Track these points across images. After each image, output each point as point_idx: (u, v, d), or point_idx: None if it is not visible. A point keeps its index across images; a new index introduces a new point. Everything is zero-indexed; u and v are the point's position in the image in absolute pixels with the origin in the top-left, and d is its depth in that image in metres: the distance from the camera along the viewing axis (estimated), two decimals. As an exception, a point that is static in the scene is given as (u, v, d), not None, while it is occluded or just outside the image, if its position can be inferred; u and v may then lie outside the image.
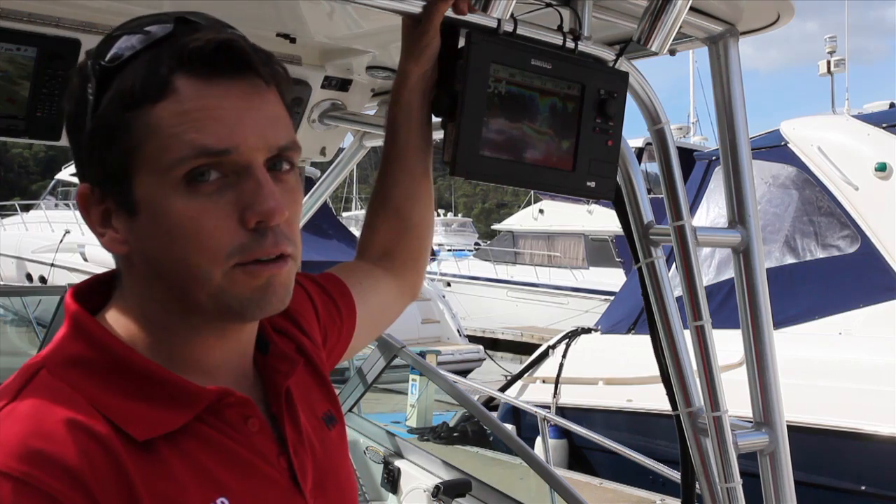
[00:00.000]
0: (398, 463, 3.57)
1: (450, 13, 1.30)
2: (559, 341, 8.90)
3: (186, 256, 0.91)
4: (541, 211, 23.75)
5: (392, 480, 3.54)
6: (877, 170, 6.95)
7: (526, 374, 9.14)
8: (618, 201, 1.78)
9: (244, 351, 1.04)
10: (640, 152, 15.23)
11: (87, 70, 0.93)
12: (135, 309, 0.97)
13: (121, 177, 0.91)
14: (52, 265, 18.21)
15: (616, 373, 7.90)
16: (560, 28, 1.45)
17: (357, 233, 21.20)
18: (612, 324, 8.61)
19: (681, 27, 1.52)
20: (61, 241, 18.39)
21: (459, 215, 55.65)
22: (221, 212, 0.90)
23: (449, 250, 32.78)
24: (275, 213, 0.91)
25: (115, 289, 1.00)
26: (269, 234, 0.92)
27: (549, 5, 1.46)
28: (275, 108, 0.96)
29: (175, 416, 0.92)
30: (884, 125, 7.33)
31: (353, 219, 36.72)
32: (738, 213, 1.72)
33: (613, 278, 18.34)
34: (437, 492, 3.18)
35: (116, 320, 0.97)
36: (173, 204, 0.89)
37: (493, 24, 1.35)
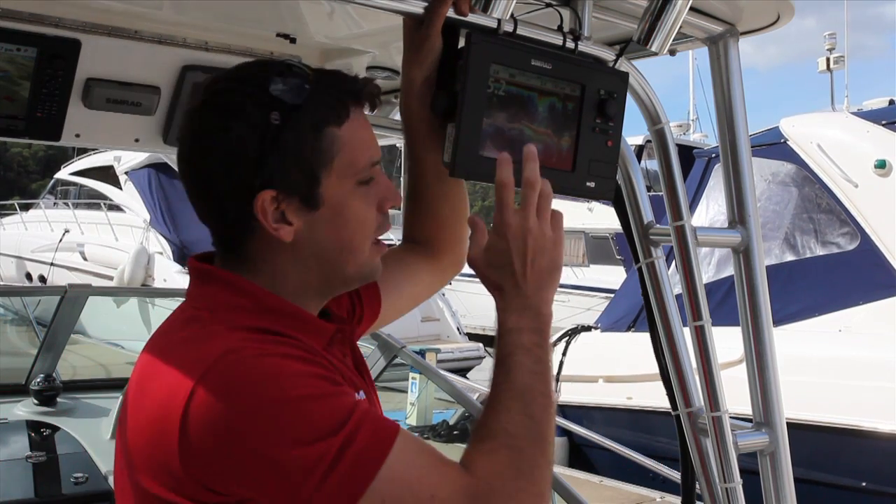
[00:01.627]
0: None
1: (450, 13, 1.30)
2: (559, 339, 8.89)
3: (353, 237, 1.22)
4: (540, 209, 23.70)
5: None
6: (876, 167, 6.95)
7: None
8: (618, 201, 1.78)
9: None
10: (639, 150, 15.22)
11: (266, 101, 1.15)
12: (278, 282, 1.22)
13: (312, 180, 1.17)
14: (52, 264, 18.20)
15: (616, 370, 7.90)
16: (560, 28, 1.46)
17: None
18: (612, 322, 8.60)
19: (681, 27, 1.52)
20: (61, 240, 18.39)
21: (459, 213, 55.60)
22: (371, 202, 1.23)
23: (448, 248, 32.72)
24: (399, 201, 1.30)
25: (235, 269, 1.23)
26: (386, 216, 1.26)
27: (549, 5, 1.46)
28: None
29: (318, 340, 1.22)
30: (883, 122, 7.32)
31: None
32: (738, 214, 1.72)
33: (614, 276, 18.32)
34: (437, 491, 3.18)
35: (262, 284, 1.22)
36: (353, 200, 1.21)
37: (493, 25, 1.35)
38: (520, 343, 1.22)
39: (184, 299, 1.25)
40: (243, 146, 1.15)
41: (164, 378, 1.09)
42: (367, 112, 1.25)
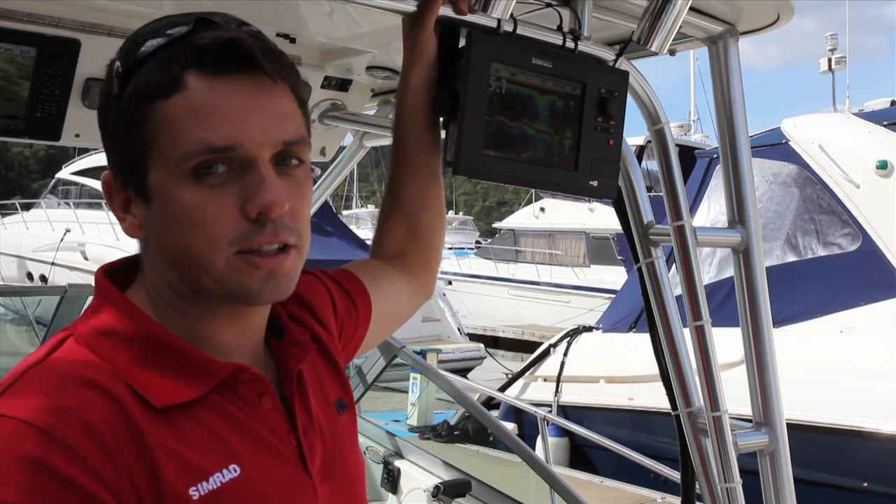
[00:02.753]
0: (398, 463, 3.57)
1: (450, 13, 1.30)
2: (560, 340, 8.89)
3: (191, 243, 0.97)
4: (542, 209, 23.73)
5: (392, 480, 3.54)
6: (878, 168, 6.94)
7: (527, 373, 9.14)
8: (618, 201, 1.78)
9: (256, 334, 1.09)
10: (640, 150, 15.21)
11: (114, 67, 1.00)
12: (152, 290, 1.03)
13: (138, 166, 0.98)
14: (53, 264, 18.21)
15: (617, 371, 7.90)
16: (560, 28, 1.45)
17: (357, 231, 21.25)
18: (613, 322, 8.60)
19: (681, 27, 1.52)
20: (62, 239, 18.39)
21: (460, 213, 55.63)
22: (225, 202, 0.95)
23: (450, 248, 32.77)
24: (274, 206, 0.96)
25: (139, 271, 1.06)
26: (269, 224, 0.97)
27: (549, 5, 1.46)
28: (282, 104, 1.00)
29: (193, 386, 0.97)
30: (885, 123, 7.32)
31: (354, 217, 36.76)
32: (738, 214, 1.71)
33: (615, 276, 18.33)
34: (437, 492, 3.18)
35: (139, 298, 1.03)
36: (181, 193, 0.95)
37: (493, 24, 1.35)
38: None
39: None
40: (99, 116, 1.03)
41: None
42: (273, 82, 0.98)
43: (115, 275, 1.06)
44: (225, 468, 0.95)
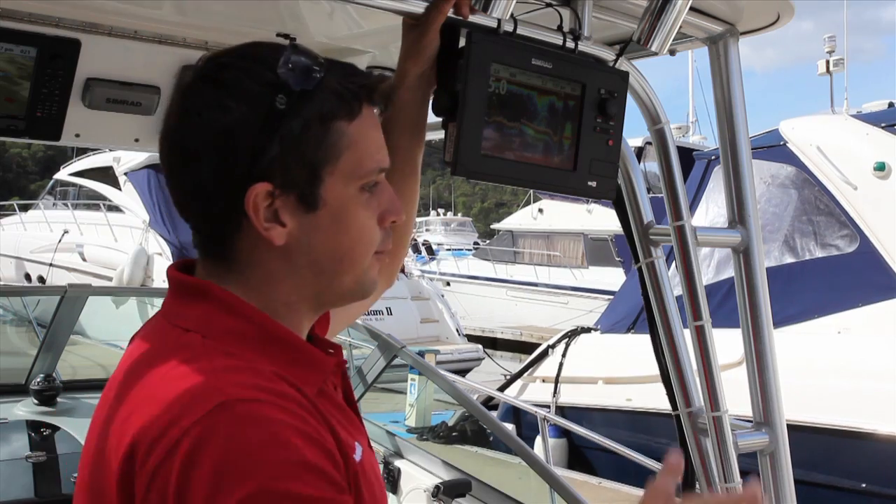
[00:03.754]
0: (398, 463, 3.57)
1: (450, 14, 1.30)
2: (559, 340, 8.90)
3: (353, 247, 1.10)
4: (540, 210, 23.74)
5: (392, 480, 3.54)
6: (876, 169, 6.96)
7: (526, 374, 9.14)
8: (618, 201, 1.78)
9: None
10: (639, 151, 15.23)
11: (278, 84, 1.02)
12: (265, 291, 1.09)
13: (313, 177, 1.05)
14: (51, 265, 18.21)
15: (616, 372, 7.91)
16: (560, 28, 1.46)
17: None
18: (611, 323, 8.61)
19: (681, 27, 1.52)
20: (60, 240, 18.39)
21: (459, 214, 55.63)
22: (373, 214, 1.11)
23: (448, 249, 32.77)
24: (400, 217, 1.15)
25: (220, 274, 1.09)
26: (388, 232, 1.14)
27: (549, 5, 1.46)
28: None
29: (316, 377, 1.08)
30: (883, 125, 7.33)
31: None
32: (737, 213, 1.72)
33: (613, 277, 18.33)
34: (437, 492, 3.18)
35: (250, 300, 1.08)
36: (356, 205, 1.08)
37: (494, 24, 1.35)
38: None
39: None
40: (242, 129, 1.02)
41: (149, 415, 0.95)
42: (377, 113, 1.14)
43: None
44: (356, 444, 1.07)
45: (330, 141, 1.05)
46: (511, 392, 8.97)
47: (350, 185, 1.07)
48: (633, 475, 6.99)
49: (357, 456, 1.05)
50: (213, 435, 0.90)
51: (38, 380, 3.72)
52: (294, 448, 0.91)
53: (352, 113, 1.07)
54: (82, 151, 20.46)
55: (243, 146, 1.02)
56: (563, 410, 8.29)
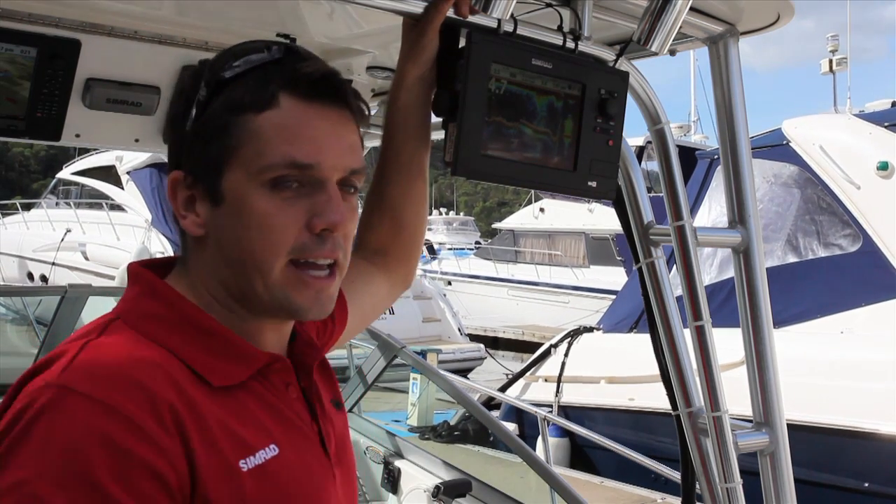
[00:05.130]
0: (398, 463, 3.57)
1: (450, 14, 1.30)
2: (561, 340, 8.90)
3: (255, 247, 1.05)
4: (541, 210, 23.74)
5: (392, 480, 3.54)
6: (878, 169, 6.95)
7: (528, 373, 9.14)
8: (618, 201, 1.78)
9: (284, 338, 1.18)
10: (639, 151, 15.22)
11: (203, 76, 1.08)
12: (199, 285, 1.09)
13: (215, 169, 1.05)
14: (54, 264, 18.23)
15: (618, 372, 7.90)
16: (560, 28, 1.45)
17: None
18: (614, 323, 8.61)
19: (681, 27, 1.52)
20: (62, 240, 18.41)
21: (461, 214, 55.64)
22: (293, 214, 1.04)
23: (450, 249, 32.78)
24: (339, 224, 1.07)
25: (175, 266, 1.13)
26: (329, 241, 1.07)
27: (549, 5, 1.46)
28: (354, 136, 1.12)
29: (238, 370, 1.05)
30: (886, 124, 7.33)
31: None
32: (738, 214, 1.71)
33: (614, 277, 18.35)
34: (437, 492, 3.18)
35: (181, 289, 1.09)
36: (256, 201, 1.04)
37: (494, 25, 1.35)
38: None
39: None
40: (178, 119, 1.09)
41: (39, 362, 1.00)
42: (350, 116, 1.10)
43: (150, 268, 1.13)
44: (266, 447, 1.03)
45: (232, 133, 1.05)
46: (513, 391, 8.97)
47: (252, 180, 1.04)
48: (636, 474, 7.00)
49: (255, 459, 1.01)
50: (28, 412, 0.91)
51: (40, 379, 3.72)
52: (83, 460, 0.88)
53: (261, 104, 1.05)
54: (84, 151, 20.48)
55: (174, 137, 1.10)
56: (565, 410, 8.29)
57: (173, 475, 0.93)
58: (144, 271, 1.10)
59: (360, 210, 1.19)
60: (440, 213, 48.96)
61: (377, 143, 1.48)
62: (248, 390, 1.06)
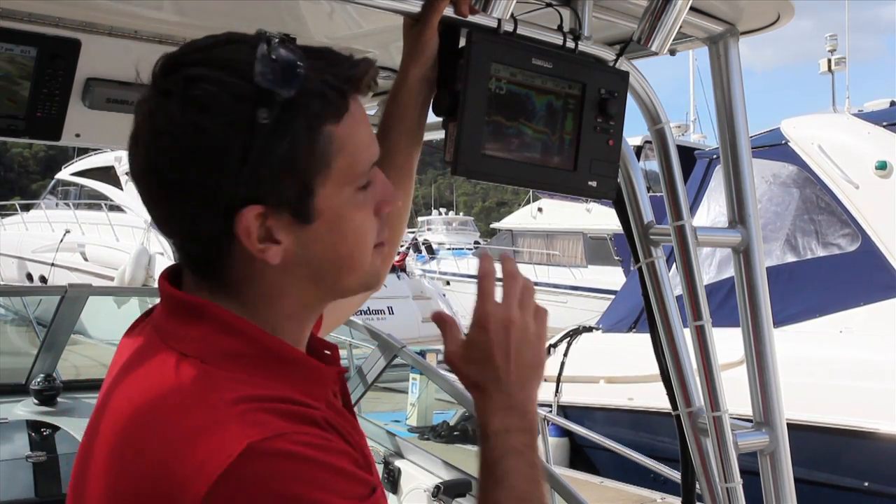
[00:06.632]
0: (398, 463, 3.57)
1: (451, 13, 1.30)
2: (560, 340, 8.89)
3: (353, 253, 1.04)
4: (539, 210, 23.73)
5: (392, 480, 3.54)
6: (877, 168, 6.95)
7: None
8: (618, 201, 1.78)
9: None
10: (638, 150, 15.22)
11: (249, 93, 0.93)
12: (263, 308, 1.02)
13: (305, 192, 0.98)
14: (53, 265, 18.23)
15: (617, 371, 7.90)
16: (560, 28, 1.46)
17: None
18: (613, 322, 8.60)
19: (681, 27, 1.52)
20: (61, 240, 18.41)
21: (460, 214, 55.63)
22: (370, 210, 1.05)
23: (448, 249, 32.77)
24: (398, 200, 1.12)
25: (214, 290, 1.02)
26: (385, 220, 1.09)
27: (549, 5, 1.46)
28: None
29: (321, 392, 1.04)
30: (884, 123, 7.32)
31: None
32: (738, 213, 1.72)
33: (612, 277, 18.34)
34: (437, 492, 3.18)
35: (244, 315, 1.02)
36: (354, 210, 1.02)
37: (494, 24, 1.35)
38: (510, 446, 1.07)
39: None
40: (222, 152, 0.93)
41: (162, 451, 0.90)
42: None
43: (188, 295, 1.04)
44: (363, 449, 1.05)
45: (319, 150, 0.97)
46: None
47: (345, 190, 1.00)
48: (636, 474, 7.00)
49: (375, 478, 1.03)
50: (247, 486, 0.86)
51: (39, 380, 3.73)
52: (327, 465, 0.90)
53: (339, 113, 0.98)
54: (84, 151, 20.49)
55: (227, 169, 0.93)
56: (564, 410, 8.29)
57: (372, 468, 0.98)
58: (210, 304, 1.00)
59: None
60: (439, 213, 48.94)
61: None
62: (331, 407, 1.05)
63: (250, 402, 0.91)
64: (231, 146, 0.93)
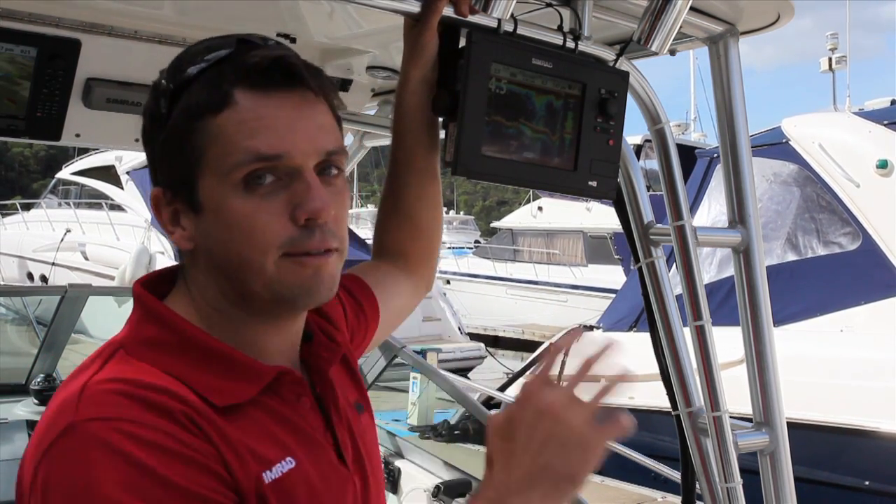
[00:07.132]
0: (398, 463, 3.57)
1: (451, 13, 1.30)
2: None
3: (241, 250, 1.02)
4: (539, 209, 23.73)
5: (392, 480, 3.54)
6: (878, 167, 6.94)
7: (528, 372, 9.12)
8: (618, 201, 1.78)
9: (294, 340, 1.15)
10: (637, 149, 15.20)
11: (160, 88, 1.05)
12: (198, 298, 1.07)
13: (188, 180, 1.02)
14: (54, 264, 18.22)
15: (618, 370, 7.88)
16: (560, 28, 1.45)
17: (357, 230, 21.21)
18: (613, 321, 8.59)
19: (681, 27, 1.52)
20: (62, 240, 18.41)
21: (461, 213, 55.61)
22: (274, 210, 1.01)
23: (448, 248, 32.77)
24: (321, 212, 1.02)
25: (178, 280, 1.11)
26: (317, 230, 1.03)
27: (549, 5, 1.46)
28: (324, 117, 1.07)
29: (244, 389, 1.03)
30: (885, 122, 7.31)
31: (354, 216, 36.73)
32: (738, 213, 1.72)
33: (612, 276, 18.33)
34: (437, 492, 3.19)
35: (182, 307, 1.07)
36: (232, 203, 1.00)
37: (494, 24, 1.35)
38: None
39: None
40: (146, 136, 1.08)
41: (39, 428, 0.96)
42: (315, 96, 1.04)
43: (152, 286, 1.10)
44: (283, 459, 1.02)
45: (195, 140, 1.01)
46: (514, 391, 8.95)
47: (224, 182, 1.00)
48: (636, 474, 6.99)
49: (273, 472, 1.00)
50: (56, 464, 0.90)
51: (39, 380, 3.73)
52: (140, 464, 0.89)
53: (218, 104, 1.00)
54: (84, 151, 20.48)
55: (148, 155, 1.08)
56: (564, 409, 8.27)
57: (224, 471, 0.95)
58: (143, 293, 1.07)
59: (350, 191, 1.16)
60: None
61: (379, 142, 1.49)
62: (258, 406, 1.04)
63: (111, 384, 0.95)
64: (147, 130, 1.07)
